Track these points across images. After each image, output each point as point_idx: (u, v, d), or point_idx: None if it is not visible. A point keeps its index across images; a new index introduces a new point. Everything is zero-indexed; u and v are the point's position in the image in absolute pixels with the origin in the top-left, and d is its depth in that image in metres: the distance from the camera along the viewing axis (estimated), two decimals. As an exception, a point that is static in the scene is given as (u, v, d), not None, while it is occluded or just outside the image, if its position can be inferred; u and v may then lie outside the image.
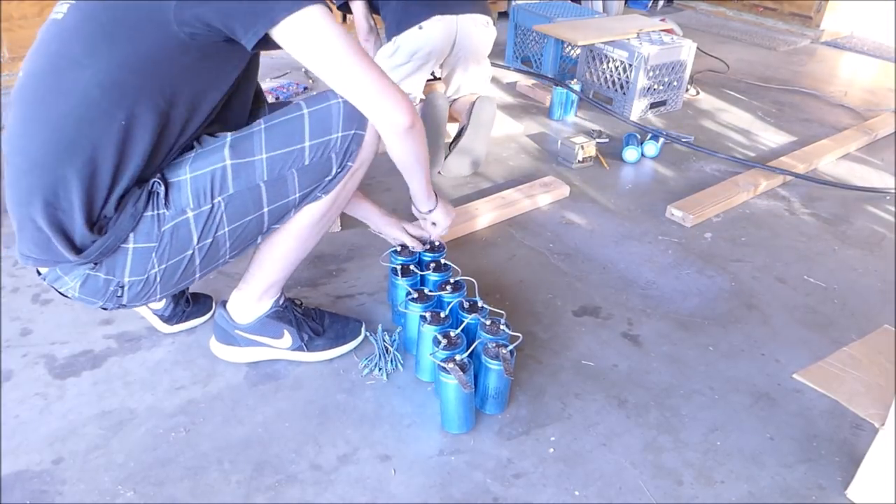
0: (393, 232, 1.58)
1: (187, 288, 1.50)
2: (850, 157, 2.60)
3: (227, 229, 1.19)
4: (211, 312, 1.53)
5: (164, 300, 1.46)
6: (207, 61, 1.10)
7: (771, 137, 2.73)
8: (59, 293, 1.22)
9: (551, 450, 1.26)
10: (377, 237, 1.84)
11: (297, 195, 1.20)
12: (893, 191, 2.31)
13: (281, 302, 1.39)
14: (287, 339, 1.40)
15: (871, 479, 1.16)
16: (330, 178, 1.21)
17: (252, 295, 1.35)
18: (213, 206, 1.16)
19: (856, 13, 4.34)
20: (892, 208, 2.23)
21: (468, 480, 1.20)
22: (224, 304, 1.39)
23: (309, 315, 1.43)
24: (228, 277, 1.65)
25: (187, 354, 1.44)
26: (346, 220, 1.92)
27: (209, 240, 1.18)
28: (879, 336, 1.60)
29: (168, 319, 1.48)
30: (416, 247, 1.55)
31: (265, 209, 1.19)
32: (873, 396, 1.40)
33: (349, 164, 1.21)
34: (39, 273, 1.21)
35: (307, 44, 1.07)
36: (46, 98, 1.07)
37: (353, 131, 1.18)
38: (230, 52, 1.10)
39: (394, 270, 1.50)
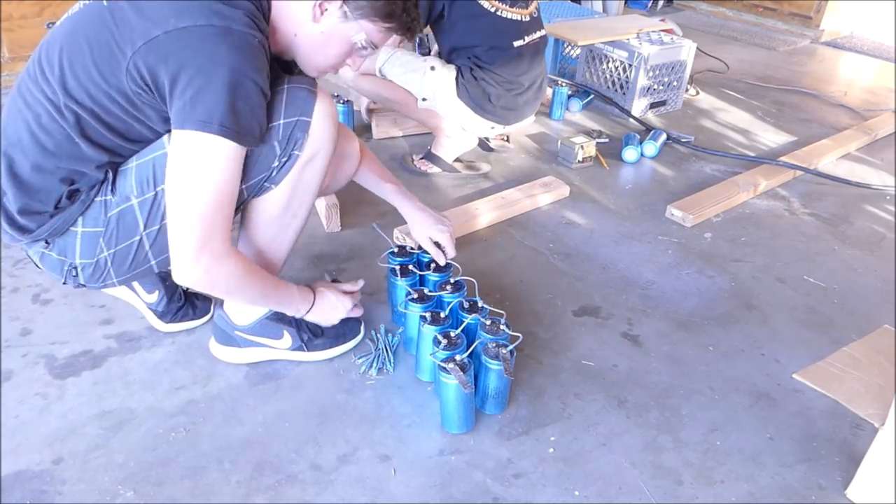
0: (419, 237, 1.56)
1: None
2: (850, 157, 2.60)
3: None
4: (210, 313, 1.53)
5: (157, 292, 1.46)
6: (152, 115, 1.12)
7: (771, 137, 2.73)
8: (34, 262, 1.27)
9: (551, 450, 1.26)
10: (378, 237, 1.84)
11: (243, 185, 1.18)
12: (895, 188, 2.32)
13: (280, 303, 1.39)
14: (287, 339, 1.40)
15: (871, 479, 1.16)
16: (276, 166, 1.19)
17: None
18: (156, 194, 1.16)
19: (856, 13, 4.35)
20: (892, 208, 2.23)
21: (468, 480, 1.20)
22: (222, 305, 1.39)
23: (308, 315, 1.43)
24: (228, 277, 1.65)
25: (187, 354, 1.44)
26: (347, 221, 1.93)
27: (156, 227, 1.19)
28: (879, 336, 1.60)
29: (162, 315, 1.47)
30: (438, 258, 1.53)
31: None
32: (873, 396, 1.40)
33: (295, 152, 1.19)
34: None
35: (184, 161, 1.06)
36: (21, 99, 1.13)
37: (295, 118, 1.17)
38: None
39: (392, 271, 1.50)
